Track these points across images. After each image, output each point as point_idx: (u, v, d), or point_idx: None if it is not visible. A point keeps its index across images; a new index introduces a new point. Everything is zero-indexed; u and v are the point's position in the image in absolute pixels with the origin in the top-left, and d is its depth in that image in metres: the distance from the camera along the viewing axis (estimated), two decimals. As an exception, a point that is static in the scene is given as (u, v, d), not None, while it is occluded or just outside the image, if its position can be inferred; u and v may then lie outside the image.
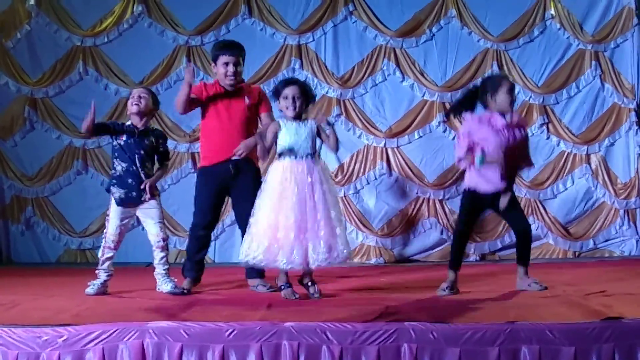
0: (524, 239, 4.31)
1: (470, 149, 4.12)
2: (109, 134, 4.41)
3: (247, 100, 4.48)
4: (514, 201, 4.24)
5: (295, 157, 3.96)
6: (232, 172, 4.42)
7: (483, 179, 4.12)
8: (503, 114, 4.12)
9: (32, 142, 6.63)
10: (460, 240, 4.30)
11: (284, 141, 4.01)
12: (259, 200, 3.97)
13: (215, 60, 4.51)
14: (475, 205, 4.23)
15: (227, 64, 4.41)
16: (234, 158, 4.39)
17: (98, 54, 6.61)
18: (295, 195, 3.85)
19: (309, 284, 4.09)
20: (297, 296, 3.99)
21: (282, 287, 4.07)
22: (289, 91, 4.01)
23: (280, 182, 3.91)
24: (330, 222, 3.87)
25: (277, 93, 4.08)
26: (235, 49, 4.48)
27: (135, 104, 4.37)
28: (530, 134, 6.47)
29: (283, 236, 3.82)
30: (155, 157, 4.51)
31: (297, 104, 4.01)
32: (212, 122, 4.48)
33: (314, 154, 4.02)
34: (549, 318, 3.21)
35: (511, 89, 4.18)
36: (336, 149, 4.14)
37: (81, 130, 4.36)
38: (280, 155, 4.04)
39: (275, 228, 3.84)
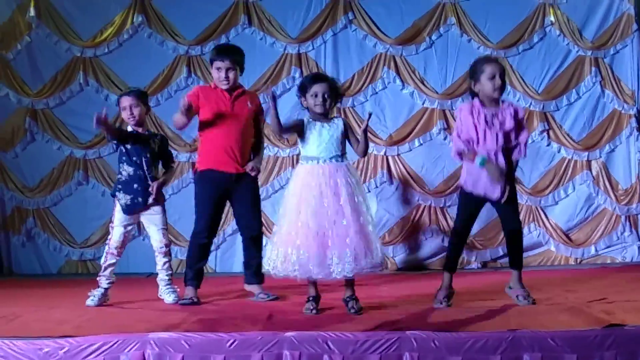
0: (514, 240, 4.11)
1: (468, 141, 4.00)
2: (127, 140, 4.38)
3: (249, 105, 4.53)
4: (512, 197, 4.03)
5: (318, 162, 3.79)
6: (233, 179, 4.44)
7: (477, 182, 4.00)
8: (492, 106, 4.01)
9: (33, 153, 6.63)
10: (455, 239, 4.17)
11: (307, 144, 3.85)
12: (282, 208, 3.85)
13: (211, 64, 4.60)
14: (471, 202, 4.08)
15: (219, 69, 4.47)
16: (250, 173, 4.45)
17: (98, 64, 6.62)
18: (316, 201, 3.68)
19: (348, 299, 3.89)
20: (315, 312, 3.81)
21: (308, 299, 3.89)
22: (319, 88, 3.82)
23: (302, 188, 3.75)
24: (359, 228, 3.66)
25: (303, 89, 3.88)
26: (226, 55, 4.51)
27: (131, 117, 4.39)
28: (530, 141, 6.55)
29: (304, 244, 3.64)
30: (160, 162, 4.52)
31: (328, 102, 3.83)
32: (213, 127, 4.48)
33: (341, 156, 3.83)
34: (550, 326, 3.21)
35: (494, 75, 3.95)
36: (364, 154, 3.99)
37: (108, 138, 4.41)
38: (303, 158, 3.88)
39: (297, 236, 3.67)
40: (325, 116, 3.88)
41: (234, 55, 4.53)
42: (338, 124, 3.88)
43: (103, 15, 6.65)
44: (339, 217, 3.66)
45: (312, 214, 3.68)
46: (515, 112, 4.03)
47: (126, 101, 4.40)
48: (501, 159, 3.95)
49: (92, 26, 6.63)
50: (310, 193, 3.72)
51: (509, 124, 3.97)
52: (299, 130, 3.89)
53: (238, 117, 4.47)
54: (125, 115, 4.42)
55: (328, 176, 3.73)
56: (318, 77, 3.96)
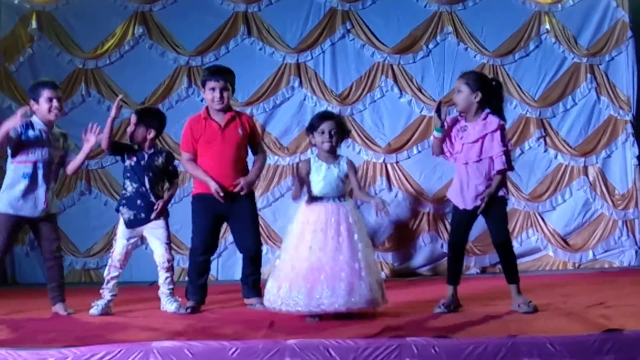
0: (503, 253, 4.12)
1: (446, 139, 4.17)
2: (123, 154, 4.47)
3: (240, 132, 4.52)
4: (497, 210, 4.08)
5: (321, 200, 3.93)
6: (226, 201, 4.42)
7: (459, 196, 4.11)
8: (470, 120, 4.11)
9: (36, 163, 6.67)
10: (452, 252, 4.21)
11: (313, 184, 3.98)
12: (284, 242, 3.97)
13: (203, 85, 4.58)
14: (461, 217, 4.15)
15: (213, 89, 4.48)
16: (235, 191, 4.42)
17: (100, 75, 6.68)
18: (317, 237, 3.80)
19: None
20: (317, 319, 3.84)
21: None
22: (326, 126, 3.97)
23: (303, 225, 3.88)
24: (355, 264, 3.74)
25: (312, 128, 4.03)
26: (220, 75, 4.52)
27: (130, 135, 4.49)
28: (527, 147, 6.62)
29: (299, 278, 3.74)
30: (165, 178, 4.58)
31: (334, 138, 3.98)
32: (205, 155, 4.50)
33: (343, 196, 3.97)
34: (549, 331, 3.23)
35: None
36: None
37: (101, 145, 4.45)
38: (308, 197, 3.99)
39: (292, 271, 3.78)
40: (332, 154, 4.02)
41: (228, 75, 4.55)
42: (342, 166, 4.01)
43: (104, 27, 6.72)
44: (337, 254, 3.77)
45: (311, 249, 3.79)
46: (486, 130, 4.03)
47: (132, 118, 4.53)
48: (473, 170, 4.05)
49: (93, 38, 6.70)
50: (311, 229, 3.84)
51: (475, 136, 4.03)
52: (309, 173, 4.04)
53: (229, 145, 4.47)
54: (128, 129, 4.54)
55: (330, 214, 3.87)
56: (325, 116, 4.12)
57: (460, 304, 4.18)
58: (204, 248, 4.52)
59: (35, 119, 4.39)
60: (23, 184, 4.31)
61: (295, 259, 3.82)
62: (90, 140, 4.44)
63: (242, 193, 4.42)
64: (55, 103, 4.39)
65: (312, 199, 3.97)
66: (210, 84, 4.49)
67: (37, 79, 4.77)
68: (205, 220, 4.50)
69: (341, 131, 4.04)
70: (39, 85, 4.45)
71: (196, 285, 4.52)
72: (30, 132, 4.34)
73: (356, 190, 4.09)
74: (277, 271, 3.88)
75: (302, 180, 4.01)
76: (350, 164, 4.07)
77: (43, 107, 4.37)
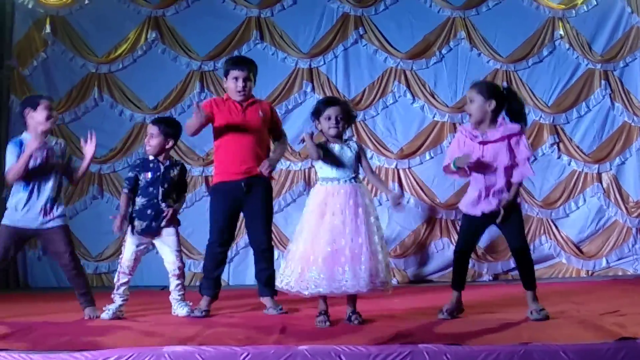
0: (520, 259, 4.08)
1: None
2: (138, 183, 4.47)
3: (261, 114, 4.54)
4: (514, 216, 4.03)
5: (339, 182, 3.87)
6: (244, 189, 4.45)
7: (471, 203, 4.06)
8: (485, 128, 4.03)
9: (48, 167, 6.72)
10: (458, 259, 4.20)
11: (326, 166, 3.91)
12: (299, 226, 3.90)
13: (226, 75, 4.60)
14: (472, 225, 4.12)
15: (236, 78, 4.49)
16: (262, 173, 4.44)
17: (113, 80, 6.73)
18: (335, 219, 3.76)
19: (351, 314, 3.92)
20: (328, 324, 3.84)
21: (319, 313, 3.92)
22: (332, 111, 3.90)
23: (319, 207, 3.83)
24: (373, 246, 3.74)
25: (317, 113, 3.96)
26: (244, 65, 4.56)
27: (148, 145, 4.46)
28: (541, 154, 6.60)
29: (318, 261, 3.71)
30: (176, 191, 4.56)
31: (341, 124, 3.92)
32: (226, 137, 4.51)
33: (356, 177, 3.93)
34: (562, 339, 3.21)
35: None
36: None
37: (115, 230, 4.44)
38: (322, 179, 3.94)
39: (311, 253, 3.75)
40: (339, 138, 3.97)
41: (251, 66, 4.58)
42: (353, 146, 3.96)
43: (117, 31, 6.78)
44: (356, 236, 3.74)
45: (330, 231, 3.75)
46: (509, 132, 3.98)
47: (150, 129, 4.49)
48: (491, 180, 3.99)
49: (106, 42, 6.76)
50: (329, 212, 3.80)
51: (499, 145, 3.97)
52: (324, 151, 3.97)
53: (250, 127, 4.49)
54: (145, 140, 4.53)
55: (347, 196, 3.82)
56: (331, 101, 4.07)
57: (463, 309, 4.16)
58: (222, 240, 4.53)
59: (24, 135, 4.40)
60: (22, 196, 4.34)
61: (313, 241, 3.77)
62: (89, 151, 4.45)
63: (265, 172, 4.42)
64: (54, 112, 4.44)
65: (327, 178, 3.91)
66: (234, 73, 4.51)
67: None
68: (223, 213, 4.51)
69: (347, 117, 3.97)
70: (38, 96, 4.57)
71: (211, 277, 4.53)
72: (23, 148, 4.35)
73: (369, 174, 4.05)
74: (292, 254, 3.83)
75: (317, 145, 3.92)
76: (361, 146, 4.06)
77: (41, 115, 4.37)
